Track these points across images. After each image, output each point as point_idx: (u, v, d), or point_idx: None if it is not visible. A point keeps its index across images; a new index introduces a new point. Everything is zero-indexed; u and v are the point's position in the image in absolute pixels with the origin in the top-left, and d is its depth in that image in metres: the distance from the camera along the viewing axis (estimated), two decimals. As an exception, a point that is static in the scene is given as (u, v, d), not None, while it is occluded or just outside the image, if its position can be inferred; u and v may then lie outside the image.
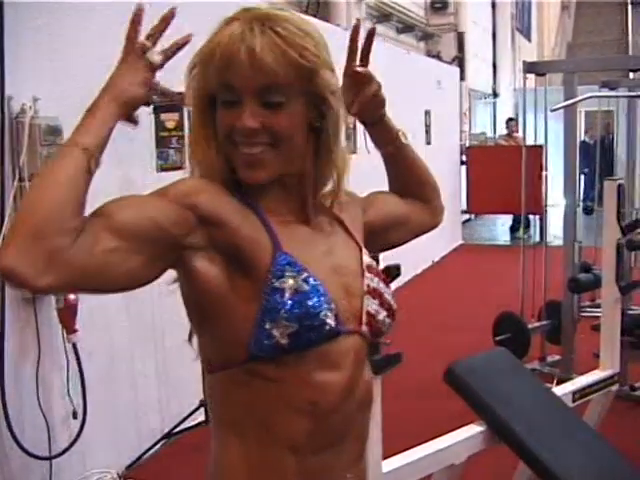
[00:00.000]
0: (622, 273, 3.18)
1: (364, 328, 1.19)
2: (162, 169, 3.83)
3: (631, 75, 5.62)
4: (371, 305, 1.20)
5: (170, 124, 3.84)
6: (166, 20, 1.14)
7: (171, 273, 1.13)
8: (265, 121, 1.10)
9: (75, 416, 3.21)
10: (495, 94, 16.48)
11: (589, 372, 3.00)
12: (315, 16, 7.24)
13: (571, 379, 3.37)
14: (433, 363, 2.89)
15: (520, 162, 4.99)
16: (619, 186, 3.25)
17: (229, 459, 1.17)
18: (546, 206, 5.17)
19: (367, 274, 1.22)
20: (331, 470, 1.18)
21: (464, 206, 10.67)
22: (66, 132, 3.04)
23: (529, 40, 20.15)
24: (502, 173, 8.55)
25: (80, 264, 0.96)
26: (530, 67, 5.04)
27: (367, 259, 1.25)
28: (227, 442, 1.17)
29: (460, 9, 13.53)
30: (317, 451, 1.16)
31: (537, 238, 6.66)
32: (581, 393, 2.81)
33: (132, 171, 3.60)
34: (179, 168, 3.87)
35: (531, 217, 6.75)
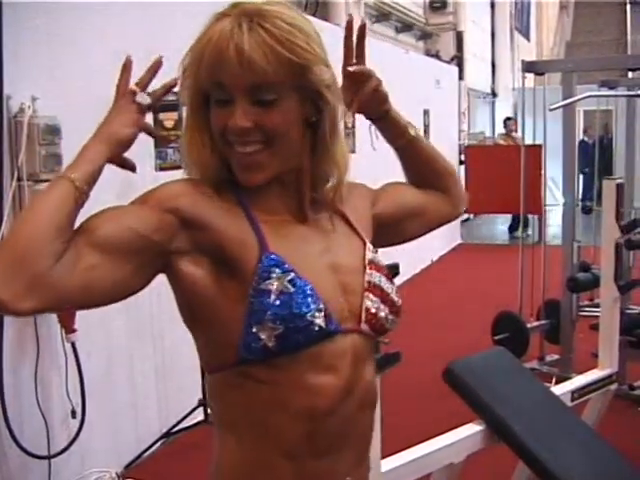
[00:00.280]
0: (621, 272, 3.18)
1: (364, 326, 1.16)
2: (161, 168, 3.82)
3: (630, 74, 5.63)
4: (371, 302, 1.17)
5: (169, 123, 3.84)
6: (153, 69, 1.16)
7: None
8: (257, 119, 1.09)
9: (74, 415, 3.21)
10: (494, 93, 16.49)
11: (588, 371, 3.00)
12: (314, 15, 7.23)
13: (570, 378, 3.37)
14: (432, 362, 2.90)
15: (519, 162, 4.99)
16: (618, 185, 3.25)
17: (227, 460, 1.17)
18: (545, 205, 5.17)
19: (368, 270, 1.20)
20: (331, 475, 1.16)
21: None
22: (65, 131, 3.04)
23: (528, 39, 20.14)
24: (501, 173, 8.54)
25: (62, 284, 0.97)
26: (529, 66, 5.04)
27: (370, 255, 1.22)
28: (226, 442, 1.17)
29: (459, 8, 13.53)
30: (316, 456, 1.13)
31: (536, 237, 6.66)
32: (580, 392, 2.81)
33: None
34: (178, 167, 3.81)
35: (530, 217, 6.75)
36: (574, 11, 21.55)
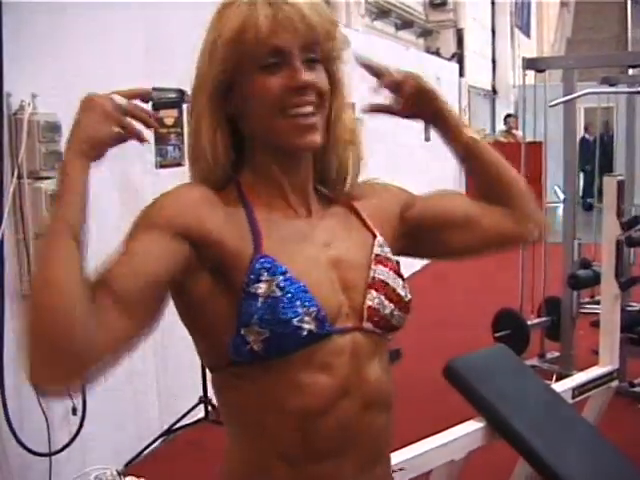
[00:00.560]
0: (621, 269, 3.18)
1: (366, 324, 1.12)
2: (161, 166, 3.82)
3: (630, 71, 5.62)
4: (373, 299, 1.13)
5: (169, 120, 3.84)
6: (137, 94, 1.08)
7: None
8: (312, 77, 1.10)
9: (75, 413, 3.20)
10: (494, 91, 16.47)
11: (588, 368, 3.00)
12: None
13: (570, 375, 3.37)
14: (432, 359, 2.90)
15: (519, 159, 4.99)
16: (619, 182, 3.25)
17: (229, 460, 1.17)
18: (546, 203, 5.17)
19: (373, 266, 1.15)
20: (332, 477, 1.11)
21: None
22: (65, 129, 3.04)
23: (528, 36, 20.12)
24: (501, 170, 8.51)
25: (103, 354, 0.97)
26: (529, 63, 5.03)
27: (378, 249, 1.18)
28: (228, 442, 1.16)
29: (459, 5, 13.53)
30: (315, 459, 1.10)
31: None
32: (580, 389, 2.81)
33: (131, 168, 3.59)
34: (178, 165, 3.87)
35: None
36: (575, 8, 21.53)
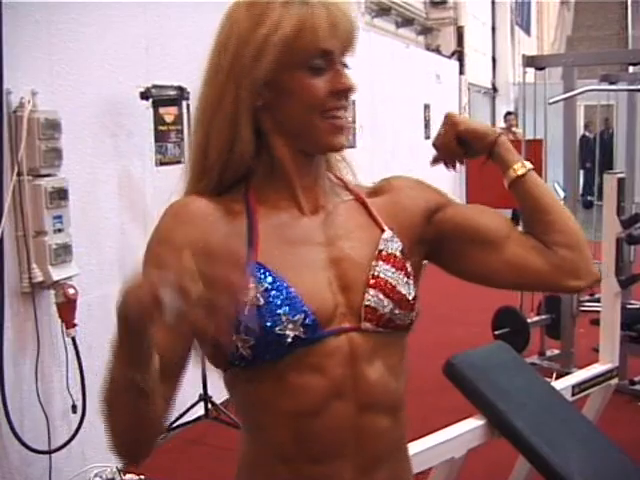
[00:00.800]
0: (622, 267, 3.18)
1: (365, 324, 1.10)
2: (161, 163, 3.82)
3: (631, 69, 5.62)
4: (371, 298, 1.10)
5: (169, 118, 3.84)
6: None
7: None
8: None
9: (75, 410, 3.21)
10: (494, 88, 16.46)
11: (588, 366, 3.00)
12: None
13: (570, 373, 3.37)
14: (432, 356, 2.90)
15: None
16: (619, 180, 3.24)
17: (240, 456, 1.19)
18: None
19: (373, 262, 1.12)
20: (329, 479, 1.10)
21: (463, 199, 10.65)
22: (64, 126, 3.04)
23: (529, 34, 20.09)
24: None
25: (164, 426, 1.07)
26: (530, 61, 5.03)
27: (383, 245, 1.14)
28: (241, 439, 1.18)
29: (459, 3, 13.50)
30: (311, 460, 1.09)
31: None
32: (580, 387, 2.81)
33: (131, 165, 3.59)
34: (178, 162, 3.86)
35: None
36: (575, 6, 21.51)
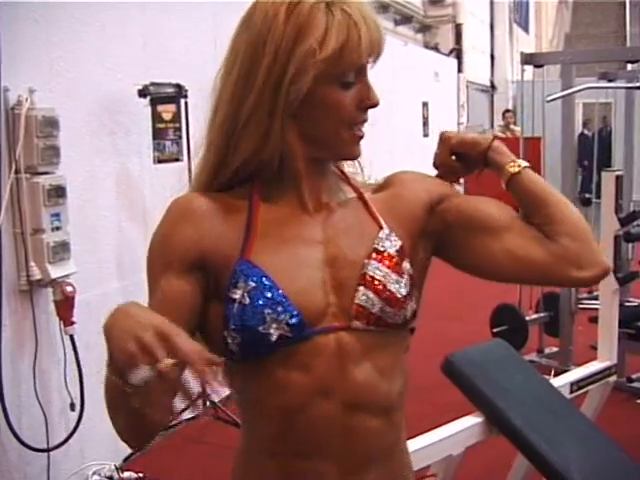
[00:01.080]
0: (620, 265, 3.19)
1: (355, 323, 1.10)
2: (159, 161, 3.81)
3: (629, 66, 5.62)
4: (361, 297, 1.10)
5: (167, 115, 3.83)
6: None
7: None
8: None
9: (73, 408, 3.20)
10: (493, 86, 16.46)
11: (587, 364, 3.00)
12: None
13: (569, 371, 3.37)
14: (431, 354, 2.89)
15: (518, 154, 4.96)
16: (617, 177, 3.24)
17: (236, 451, 1.21)
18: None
19: (366, 261, 1.12)
20: (315, 477, 1.11)
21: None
22: (62, 124, 3.03)
23: (527, 32, 20.10)
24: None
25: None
26: (528, 58, 5.03)
27: (378, 243, 1.14)
28: (240, 434, 1.20)
29: (458, 1, 13.50)
30: (297, 457, 1.11)
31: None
32: (579, 384, 2.81)
33: (129, 163, 3.59)
34: (176, 160, 3.86)
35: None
36: (573, 3, 21.51)
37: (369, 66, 1.13)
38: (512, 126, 10.55)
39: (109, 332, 0.93)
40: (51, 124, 2.99)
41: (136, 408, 0.97)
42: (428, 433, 2.28)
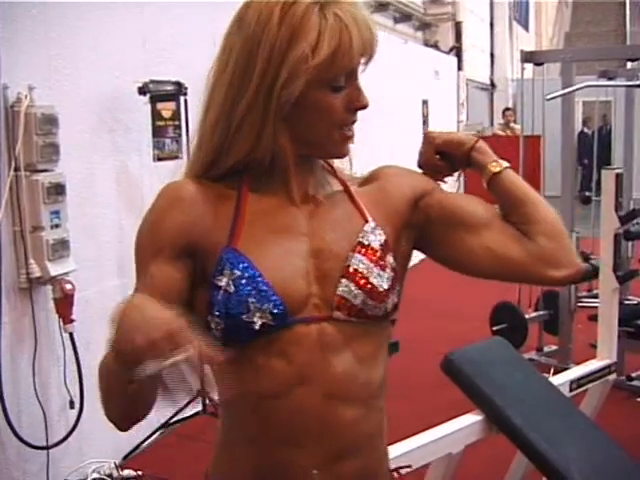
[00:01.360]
0: (620, 263, 3.18)
1: (336, 313, 1.12)
2: (159, 159, 3.81)
3: (629, 65, 5.61)
4: (343, 288, 1.12)
5: (166, 113, 3.83)
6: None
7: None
8: None
9: (72, 406, 3.21)
10: (493, 84, 16.45)
11: (586, 362, 3.00)
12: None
13: (568, 369, 3.37)
14: (431, 352, 2.90)
15: (518, 152, 4.98)
16: (617, 175, 3.24)
17: (216, 436, 1.22)
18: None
19: (350, 253, 1.14)
20: (295, 466, 1.13)
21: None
22: (62, 121, 3.03)
23: (527, 30, 20.08)
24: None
25: None
26: (528, 57, 5.02)
27: (362, 237, 1.16)
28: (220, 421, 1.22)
29: (458, -1, 13.48)
30: (274, 444, 1.13)
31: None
32: (578, 383, 2.81)
33: (129, 161, 3.59)
34: (175, 157, 3.86)
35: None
36: (573, 2, 21.49)
37: (361, 68, 1.14)
38: (512, 124, 10.55)
39: (118, 324, 0.94)
40: (50, 121, 2.98)
41: (131, 394, 0.99)
42: (428, 431, 2.27)
